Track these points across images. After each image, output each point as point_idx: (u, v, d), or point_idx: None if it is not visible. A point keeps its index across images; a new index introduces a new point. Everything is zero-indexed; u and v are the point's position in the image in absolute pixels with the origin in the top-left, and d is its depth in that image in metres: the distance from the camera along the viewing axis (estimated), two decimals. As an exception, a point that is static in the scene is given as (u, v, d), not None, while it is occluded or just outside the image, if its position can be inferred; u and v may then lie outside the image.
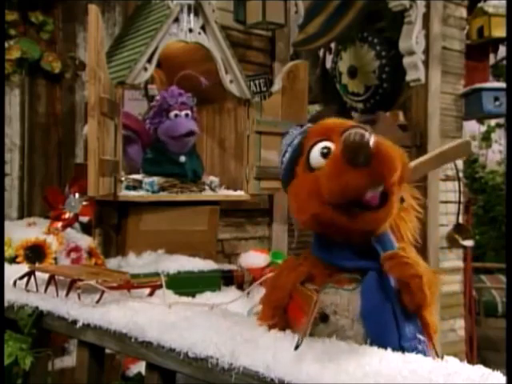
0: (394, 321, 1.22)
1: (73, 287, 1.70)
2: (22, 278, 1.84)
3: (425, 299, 1.20)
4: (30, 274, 1.84)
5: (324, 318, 1.24)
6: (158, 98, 2.53)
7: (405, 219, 1.39)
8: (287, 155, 1.35)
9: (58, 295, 1.72)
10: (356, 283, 1.26)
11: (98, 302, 1.61)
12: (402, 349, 1.21)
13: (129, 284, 1.74)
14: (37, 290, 1.80)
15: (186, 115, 2.47)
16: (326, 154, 1.23)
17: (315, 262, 1.30)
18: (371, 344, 1.21)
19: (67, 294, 1.70)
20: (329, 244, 1.28)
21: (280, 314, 1.29)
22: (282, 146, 1.39)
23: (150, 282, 1.80)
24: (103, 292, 1.63)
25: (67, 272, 1.87)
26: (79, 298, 1.65)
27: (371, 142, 1.12)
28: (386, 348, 1.17)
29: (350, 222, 1.19)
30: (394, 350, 1.17)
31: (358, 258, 1.26)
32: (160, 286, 1.76)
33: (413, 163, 1.36)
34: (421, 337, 1.26)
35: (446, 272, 1.48)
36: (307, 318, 1.17)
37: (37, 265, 2.12)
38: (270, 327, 1.30)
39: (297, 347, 1.15)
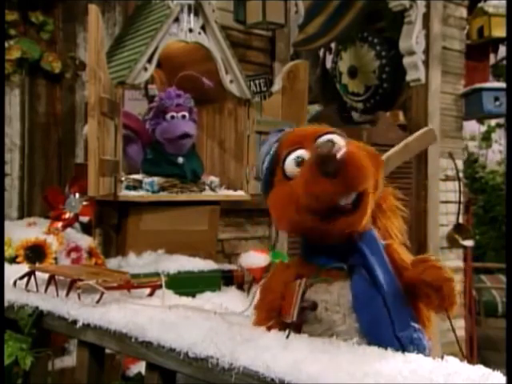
0: (386, 312, 1.24)
1: (73, 287, 1.70)
2: (22, 277, 1.84)
3: (454, 303, 1.22)
4: (30, 273, 1.84)
5: (313, 306, 1.26)
6: (156, 98, 2.53)
7: (391, 219, 1.43)
8: (265, 165, 1.37)
9: (58, 295, 1.72)
10: (345, 277, 1.27)
11: (98, 302, 1.61)
12: (397, 339, 1.22)
13: (129, 284, 1.74)
14: (37, 290, 1.80)
15: (183, 117, 2.46)
16: (299, 162, 1.27)
17: (303, 263, 1.34)
18: (364, 337, 1.22)
19: (67, 294, 1.70)
20: (314, 245, 1.32)
21: (274, 316, 1.30)
22: (260, 155, 1.42)
23: (150, 282, 1.80)
24: (103, 293, 1.63)
25: (67, 272, 1.87)
26: (79, 297, 1.65)
27: (339, 154, 1.18)
28: (380, 339, 1.19)
29: (327, 226, 1.24)
30: (388, 340, 1.19)
31: (342, 257, 1.28)
32: (160, 286, 1.76)
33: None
34: (415, 325, 1.27)
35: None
36: (293, 303, 1.21)
37: (37, 265, 2.12)
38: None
39: (287, 337, 1.18)
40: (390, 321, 1.24)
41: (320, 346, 1.18)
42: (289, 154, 1.29)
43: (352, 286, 1.26)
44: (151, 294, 1.76)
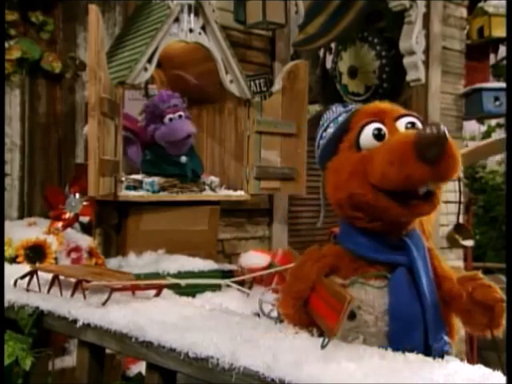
0: (421, 319, 1.20)
1: (78, 288, 1.70)
2: (23, 277, 1.84)
3: (501, 323, 1.21)
4: (32, 273, 1.83)
5: (352, 315, 1.21)
6: (147, 103, 2.53)
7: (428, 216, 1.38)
8: (329, 130, 1.31)
9: (62, 295, 1.73)
10: (383, 280, 1.23)
11: (104, 303, 1.60)
12: (429, 348, 1.19)
13: (136, 285, 1.74)
14: (39, 289, 1.80)
15: (180, 116, 2.46)
16: (378, 135, 1.21)
17: (341, 253, 1.27)
18: (392, 341, 1.19)
19: (72, 295, 1.70)
20: (358, 235, 1.25)
21: (300, 304, 1.26)
22: (322, 120, 1.36)
23: (156, 284, 1.80)
24: (111, 293, 1.62)
25: (72, 272, 1.86)
26: (85, 298, 1.65)
27: (447, 140, 1.10)
28: (408, 346, 1.15)
29: (398, 209, 1.18)
30: (416, 348, 1.15)
31: (388, 252, 1.23)
32: (164, 287, 1.76)
33: None
34: (446, 338, 1.24)
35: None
36: (338, 318, 1.13)
37: (37, 265, 2.11)
38: (289, 317, 1.28)
39: (323, 346, 1.13)
40: (423, 330, 1.19)
41: (320, 345, 1.18)
42: (367, 124, 1.23)
43: (391, 288, 1.21)
44: (158, 295, 1.76)
